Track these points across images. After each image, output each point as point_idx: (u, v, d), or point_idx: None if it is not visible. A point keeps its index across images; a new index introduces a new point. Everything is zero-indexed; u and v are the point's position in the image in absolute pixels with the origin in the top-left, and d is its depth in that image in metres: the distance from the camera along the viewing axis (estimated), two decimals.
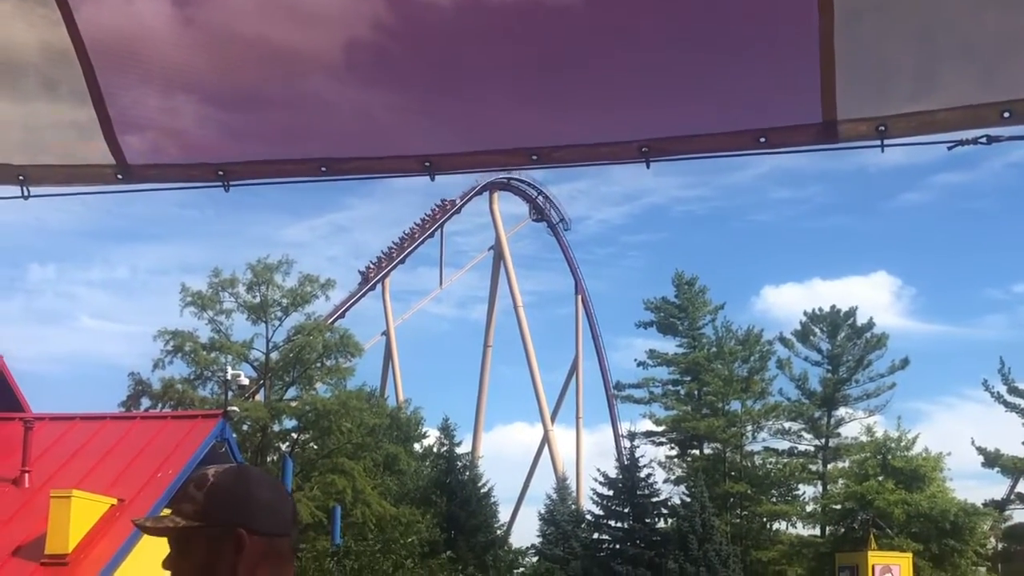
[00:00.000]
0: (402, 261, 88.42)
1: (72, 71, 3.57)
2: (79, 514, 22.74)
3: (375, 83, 3.57)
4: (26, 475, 24.92)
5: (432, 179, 3.68)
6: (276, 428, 55.04)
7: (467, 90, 3.53)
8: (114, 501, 23.69)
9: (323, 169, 3.71)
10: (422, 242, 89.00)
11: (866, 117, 3.25)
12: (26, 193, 3.90)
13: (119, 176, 3.81)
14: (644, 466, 63.57)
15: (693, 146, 3.47)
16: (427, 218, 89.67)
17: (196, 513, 2.83)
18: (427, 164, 3.62)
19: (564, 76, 3.41)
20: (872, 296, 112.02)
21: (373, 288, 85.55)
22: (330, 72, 3.55)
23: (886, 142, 3.26)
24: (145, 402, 55.20)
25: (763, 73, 3.29)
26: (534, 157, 3.57)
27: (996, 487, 76.80)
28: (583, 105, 3.48)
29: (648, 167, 3.48)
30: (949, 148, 3.28)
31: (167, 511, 2.92)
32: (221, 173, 3.76)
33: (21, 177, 3.88)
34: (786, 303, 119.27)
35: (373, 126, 3.69)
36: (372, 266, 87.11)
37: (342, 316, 76.22)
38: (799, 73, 3.21)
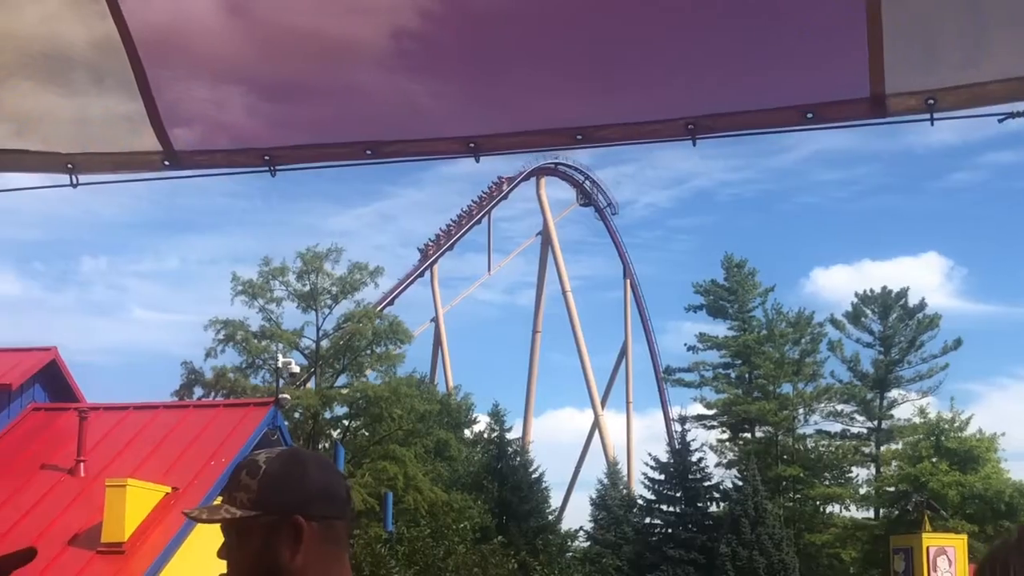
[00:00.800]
0: (450, 247, 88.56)
1: (120, 62, 3.59)
2: (134, 503, 22.95)
3: (420, 68, 3.56)
4: (81, 465, 25.18)
5: (477, 160, 3.67)
6: (327, 415, 55.33)
7: (512, 71, 3.52)
8: (168, 489, 23.89)
9: (368, 152, 3.71)
10: (470, 228, 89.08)
11: (915, 90, 3.20)
12: (75, 181, 3.93)
13: (166, 163, 3.83)
14: (695, 450, 63.44)
15: (739, 123, 3.43)
16: (474, 204, 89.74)
17: (251, 502, 2.78)
18: (471, 145, 3.61)
19: (609, 55, 3.38)
20: (923, 277, 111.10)
21: (422, 275, 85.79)
22: (375, 58, 3.55)
23: (935, 115, 3.21)
24: (198, 391, 55.65)
25: (809, 47, 3.25)
26: (579, 136, 3.55)
27: None
28: (628, 83, 3.45)
29: (694, 144, 3.46)
30: (1000, 120, 3.23)
31: (219, 500, 2.90)
32: (267, 158, 3.76)
33: (70, 165, 3.91)
34: (836, 285, 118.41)
35: (418, 109, 3.69)
36: (431, 243, 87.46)
37: (391, 303, 76.47)
38: (846, 46, 3.16)
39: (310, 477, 2.84)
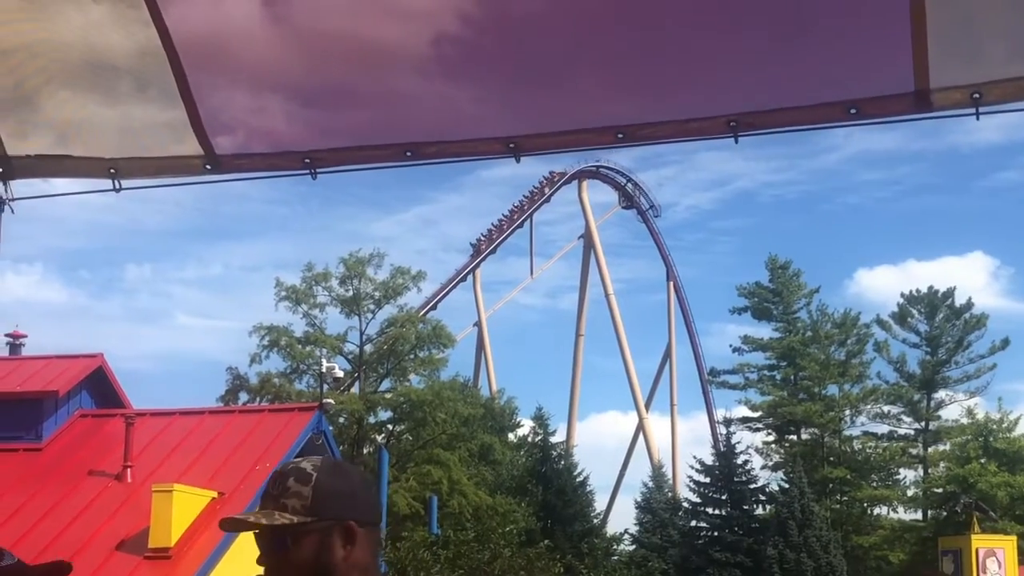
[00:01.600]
0: (492, 251, 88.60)
1: (162, 69, 3.62)
2: (181, 508, 23.07)
3: (459, 70, 3.56)
4: (128, 470, 25.34)
5: (517, 160, 3.66)
6: (371, 420, 55.42)
7: (552, 72, 3.51)
8: (214, 494, 24.00)
9: (408, 154, 3.71)
10: (512, 232, 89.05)
11: (960, 84, 3.17)
12: (118, 186, 3.96)
13: (208, 167, 3.85)
14: (741, 452, 63.08)
15: (782, 119, 3.41)
16: (516, 208, 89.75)
17: (305, 508, 2.82)
18: (512, 146, 3.60)
19: (649, 54, 3.37)
20: (969, 277, 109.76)
21: (465, 279, 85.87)
22: (414, 62, 3.55)
23: (981, 110, 3.18)
24: (243, 396, 55.88)
25: (852, 42, 3.22)
26: (620, 135, 3.53)
27: None
28: (669, 81, 3.44)
29: (736, 142, 3.43)
30: None
31: (259, 510, 2.90)
32: (308, 161, 3.77)
33: (112, 170, 3.94)
34: (881, 285, 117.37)
35: (458, 111, 3.69)
36: (483, 238, 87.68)
37: (434, 308, 76.57)
38: (890, 41, 3.14)
39: (358, 485, 2.94)
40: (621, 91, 3.51)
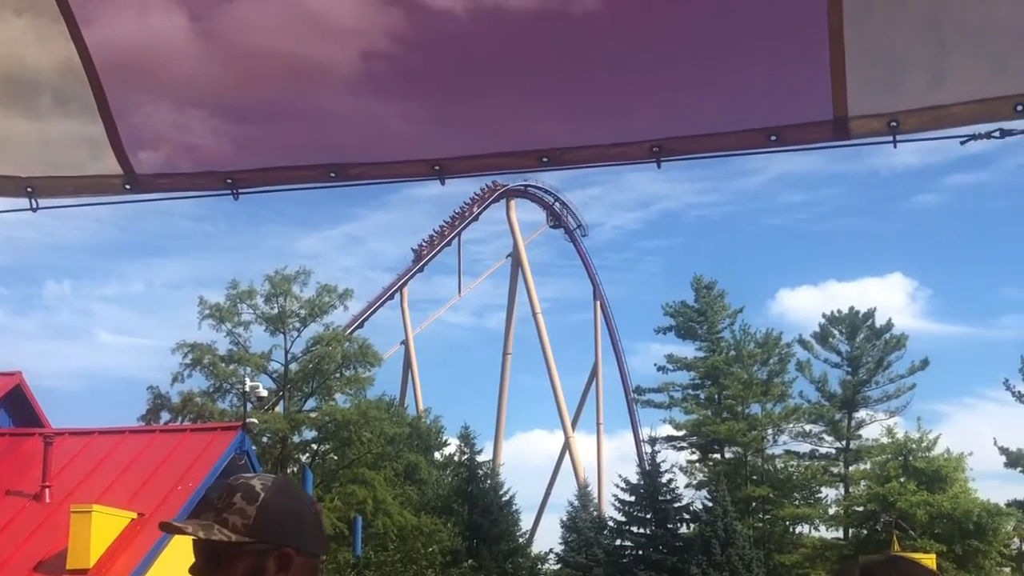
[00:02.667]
0: (420, 270, 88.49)
1: (81, 86, 3.57)
2: (100, 528, 22.77)
3: (386, 90, 3.55)
4: (47, 490, 24.96)
5: (442, 182, 3.66)
6: (296, 439, 55.09)
7: (478, 94, 3.51)
8: (134, 515, 23.72)
9: (332, 175, 3.69)
10: (440, 250, 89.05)
11: (878, 113, 3.21)
12: (35, 205, 3.90)
13: (127, 186, 3.80)
14: (665, 471, 63.53)
15: (704, 145, 3.43)
16: (445, 226, 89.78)
17: (246, 527, 2.78)
18: (437, 167, 3.60)
19: (574, 78, 3.38)
20: (888, 298, 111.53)
21: (391, 297, 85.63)
22: (341, 81, 3.54)
23: (898, 138, 3.22)
24: (164, 416, 55.38)
25: (773, 70, 3.26)
26: (544, 159, 3.54)
27: (1019, 487, 76.51)
28: (593, 106, 3.45)
29: (659, 167, 3.45)
30: (962, 143, 3.24)
31: (198, 521, 2.85)
32: (230, 181, 3.74)
33: (30, 189, 3.88)
34: (802, 306, 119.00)
35: (383, 132, 3.68)
36: (424, 244, 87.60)
37: (360, 326, 76.27)
38: (809, 69, 3.18)
39: (306, 512, 2.89)
40: (546, 115, 3.52)
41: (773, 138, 3.32)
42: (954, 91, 3.15)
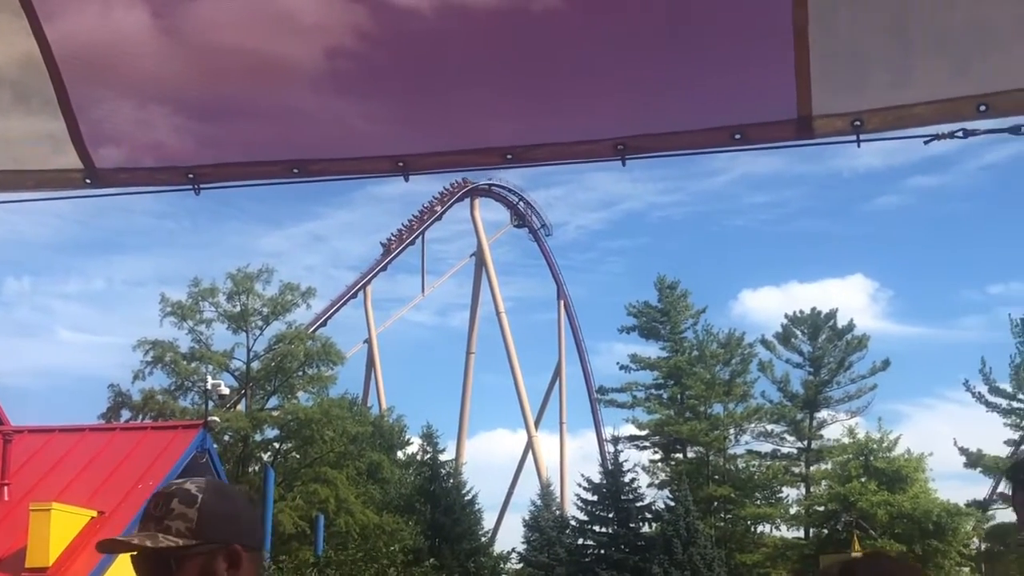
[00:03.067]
0: (384, 268, 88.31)
1: (42, 81, 3.53)
2: (59, 527, 22.59)
3: (350, 87, 3.53)
4: (5, 488, 24.76)
5: (406, 179, 3.64)
6: (258, 438, 54.87)
7: (442, 91, 3.50)
8: (94, 513, 23.54)
9: (295, 171, 3.67)
10: (403, 249, 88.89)
11: (842, 112, 3.22)
12: None
13: (88, 180, 3.77)
14: (628, 470, 63.61)
15: (668, 143, 3.43)
16: (413, 220, 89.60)
17: (191, 531, 2.79)
18: (401, 164, 3.58)
19: (539, 76, 3.38)
20: (849, 299, 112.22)
21: (355, 296, 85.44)
22: (305, 78, 3.52)
23: (862, 137, 3.23)
24: (125, 414, 55.06)
25: (738, 69, 3.27)
26: (509, 156, 3.54)
27: (978, 487, 77.15)
28: (558, 104, 3.45)
29: (624, 164, 3.46)
30: (925, 142, 3.26)
31: (141, 533, 2.84)
32: (192, 176, 3.71)
33: None
34: (764, 306, 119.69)
35: (347, 128, 3.66)
36: (393, 238, 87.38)
37: (324, 324, 76.05)
38: (774, 69, 3.18)
39: (243, 508, 2.93)
40: (511, 112, 3.52)
41: (737, 137, 3.32)
42: (918, 91, 3.16)
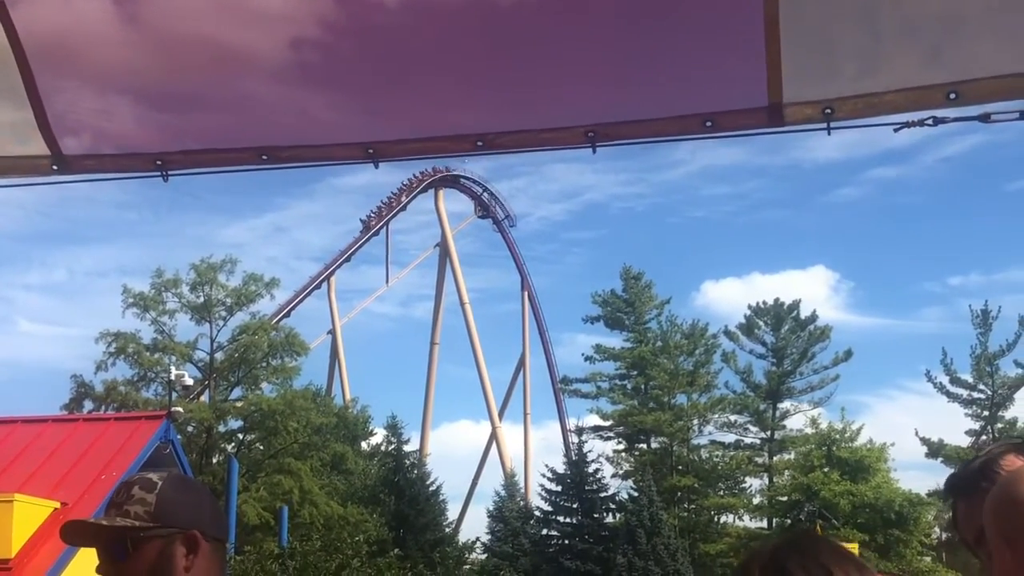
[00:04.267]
0: (347, 259, 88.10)
1: (8, 68, 3.50)
2: (21, 518, 22.43)
3: (319, 76, 3.52)
4: None
5: (376, 166, 3.63)
6: (221, 429, 54.68)
7: (412, 78, 3.48)
8: (57, 504, 23.38)
9: (264, 158, 3.65)
10: (367, 240, 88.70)
11: (812, 100, 3.23)
12: None
13: (55, 167, 3.74)
14: (592, 461, 63.75)
15: (639, 131, 3.43)
16: (372, 216, 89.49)
17: (149, 514, 2.81)
18: (370, 151, 3.57)
19: (509, 62, 3.37)
20: (811, 290, 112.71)
21: (319, 287, 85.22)
22: (273, 66, 3.50)
23: (832, 125, 3.24)
24: (88, 405, 54.69)
25: (709, 56, 3.27)
26: (479, 143, 3.53)
27: (938, 477, 77.77)
28: (528, 91, 3.44)
29: (594, 152, 3.45)
30: (895, 130, 3.27)
31: (103, 518, 2.85)
32: (159, 163, 3.69)
33: None
34: (726, 297, 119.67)
35: (316, 115, 3.65)
36: (373, 214, 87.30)
37: (287, 315, 75.80)
38: (745, 56, 3.18)
39: (205, 497, 2.96)
40: (481, 99, 3.51)
41: (708, 124, 3.32)
42: (888, 79, 3.17)
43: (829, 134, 3.27)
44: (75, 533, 2.90)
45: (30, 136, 3.66)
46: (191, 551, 2.81)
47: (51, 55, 3.52)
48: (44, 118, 3.62)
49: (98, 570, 2.86)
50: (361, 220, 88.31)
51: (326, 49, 3.40)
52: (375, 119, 3.59)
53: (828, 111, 3.22)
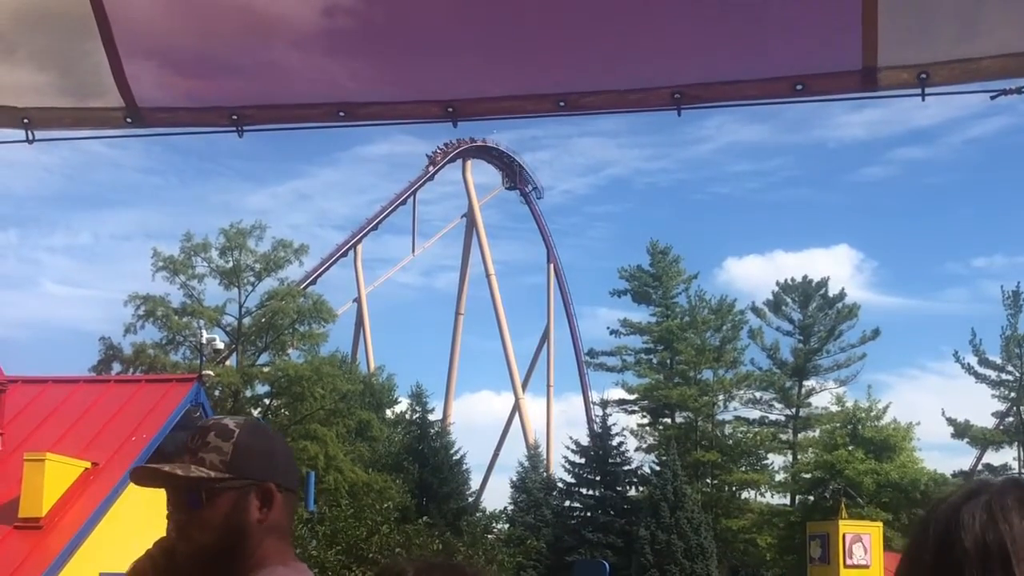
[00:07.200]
0: (374, 228, 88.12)
1: (85, 17, 3.45)
2: (53, 477, 22.58)
3: (397, 26, 3.45)
4: None
5: (455, 125, 3.58)
6: (248, 394, 54.87)
7: (492, 33, 3.43)
8: (88, 464, 23.53)
9: (341, 114, 3.60)
10: (394, 209, 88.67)
11: (908, 64, 3.15)
12: (31, 137, 3.78)
13: (128, 120, 3.69)
14: (616, 434, 63.78)
15: (727, 93, 3.37)
16: (438, 151, 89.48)
17: (224, 464, 2.76)
18: (450, 109, 3.52)
19: (594, 19, 3.30)
20: (834, 269, 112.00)
21: (345, 255, 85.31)
22: (353, 22, 3.43)
23: (927, 90, 3.17)
24: (116, 367, 54.93)
25: (801, 17, 3.19)
26: (561, 104, 3.46)
27: (964, 458, 77.52)
28: (614, 49, 3.37)
29: (679, 115, 3.39)
30: (992, 97, 3.20)
31: (175, 463, 2.80)
32: (235, 117, 3.64)
33: (26, 120, 3.76)
34: (749, 274, 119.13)
35: (394, 71, 3.58)
36: (440, 150, 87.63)
37: (313, 283, 75.92)
38: (839, 17, 3.11)
39: (280, 446, 2.90)
40: (564, 58, 3.44)
41: (799, 87, 3.25)
42: (986, 44, 3.10)
43: (923, 99, 3.20)
44: (147, 477, 2.84)
45: (105, 87, 3.61)
46: (265, 504, 2.77)
47: (129, 5, 3.48)
48: (120, 68, 3.58)
49: (169, 518, 2.82)
50: (427, 155, 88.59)
51: (409, 3, 3.35)
52: (455, 77, 3.53)
53: (923, 76, 3.14)
